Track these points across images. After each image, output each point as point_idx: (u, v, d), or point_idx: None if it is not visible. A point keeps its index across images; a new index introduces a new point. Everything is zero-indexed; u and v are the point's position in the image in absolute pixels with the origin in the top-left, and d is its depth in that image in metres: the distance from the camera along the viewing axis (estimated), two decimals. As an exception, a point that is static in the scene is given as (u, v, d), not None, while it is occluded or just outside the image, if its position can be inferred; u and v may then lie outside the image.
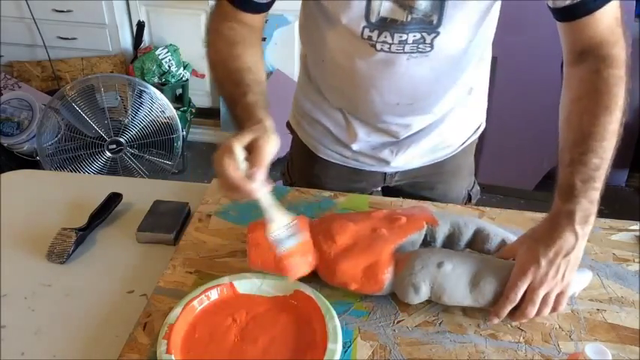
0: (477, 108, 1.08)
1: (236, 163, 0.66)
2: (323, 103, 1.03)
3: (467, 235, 0.82)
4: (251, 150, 0.68)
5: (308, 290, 0.77)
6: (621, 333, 0.77)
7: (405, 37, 0.82)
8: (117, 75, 2.66)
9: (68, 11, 2.81)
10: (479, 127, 1.11)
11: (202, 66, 2.99)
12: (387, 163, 1.05)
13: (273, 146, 0.69)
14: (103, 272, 0.86)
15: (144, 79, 2.73)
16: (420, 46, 0.83)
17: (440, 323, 0.77)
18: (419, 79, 0.89)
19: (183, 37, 2.91)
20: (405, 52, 0.84)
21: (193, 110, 2.99)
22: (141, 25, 2.88)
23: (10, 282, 0.83)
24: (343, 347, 0.71)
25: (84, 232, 0.91)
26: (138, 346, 0.71)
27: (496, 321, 0.75)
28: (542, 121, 2.28)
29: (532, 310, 0.73)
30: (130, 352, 0.70)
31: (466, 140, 1.10)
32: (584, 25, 0.77)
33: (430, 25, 0.80)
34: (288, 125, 1.16)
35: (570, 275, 0.74)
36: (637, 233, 0.97)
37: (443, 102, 0.97)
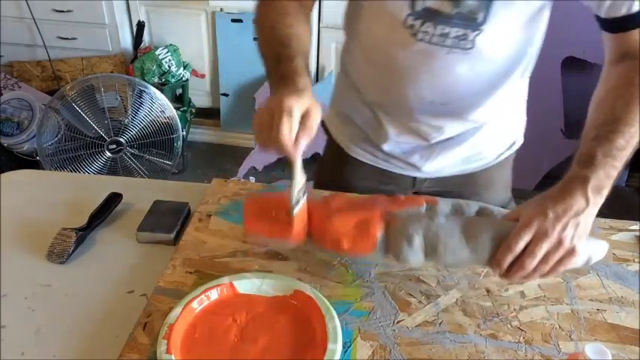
0: (514, 123, 1.07)
1: (293, 124, 0.69)
2: (357, 101, 1.03)
3: (469, 214, 0.79)
4: (303, 117, 0.70)
5: (308, 290, 0.77)
6: (621, 333, 0.77)
7: (447, 30, 0.81)
8: (117, 75, 2.66)
9: (68, 11, 2.81)
10: (514, 143, 1.09)
11: (202, 66, 2.99)
12: (418, 168, 1.04)
13: (319, 116, 0.72)
14: (103, 272, 0.86)
15: (144, 79, 2.73)
16: (462, 42, 0.82)
17: (440, 323, 0.77)
18: (456, 77, 0.88)
19: (183, 37, 2.92)
20: (446, 46, 0.83)
21: (193, 110, 2.99)
22: (141, 25, 2.88)
23: (10, 282, 0.83)
24: (343, 347, 0.71)
25: (84, 232, 0.91)
26: (138, 346, 0.71)
27: (498, 272, 0.72)
28: (543, 121, 2.29)
29: (530, 264, 0.70)
30: (130, 352, 0.70)
31: (500, 155, 1.07)
32: (634, 35, 0.79)
33: (474, 22, 0.80)
34: (323, 124, 1.16)
35: (578, 240, 0.70)
36: (637, 233, 0.97)
37: (478, 110, 0.95)
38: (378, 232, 0.74)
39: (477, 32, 0.81)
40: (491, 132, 1.01)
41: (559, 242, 0.69)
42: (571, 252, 0.70)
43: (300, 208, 0.74)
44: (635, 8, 0.77)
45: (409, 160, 1.04)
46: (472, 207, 0.79)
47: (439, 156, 1.02)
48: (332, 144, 1.13)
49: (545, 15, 0.87)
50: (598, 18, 0.81)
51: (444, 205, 0.79)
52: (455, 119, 0.97)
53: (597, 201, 0.71)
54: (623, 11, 0.77)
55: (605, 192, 0.72)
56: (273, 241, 0.77)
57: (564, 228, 0.69)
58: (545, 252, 0.70)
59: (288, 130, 0.68)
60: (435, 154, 1.02)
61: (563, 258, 0.71)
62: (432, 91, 0.91)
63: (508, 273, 0.72)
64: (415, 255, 0.73)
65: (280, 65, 0.76)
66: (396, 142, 1.02)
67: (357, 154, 1.08)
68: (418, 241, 0.72)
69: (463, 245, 0.72)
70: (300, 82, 0.73)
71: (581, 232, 0.71)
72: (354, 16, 0.94)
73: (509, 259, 0.71)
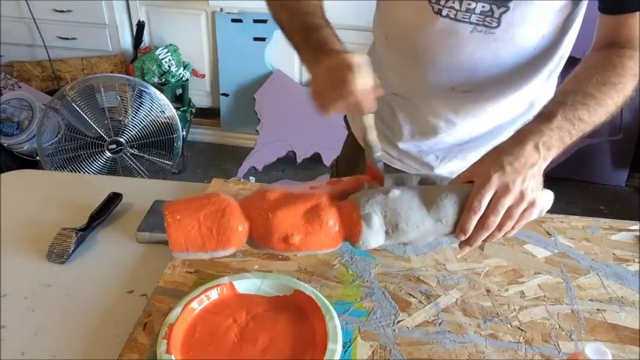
0: None
1: (363, 78, 0.69)
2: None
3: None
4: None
5: (308, 290, 0.77)
6: (621, 333, 0.77)
7: (473, 5, 0.81)
8: (117, 75, 2.66)
9: (68, 11, 2.81)
10: None
11: (202, 66, 2.99)
12: (432, 168, 1.04)
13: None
14: (103, 272, 0.86)
15: (144, 79, 2.73)
16: (487, 19, 0.82)
17: (440, 323, 0.77)
18: (479, 61, 0.86)
19: (183, 37, 2.92)
20: (471, 23, 0.82)
21: (193, 110, 2.99)
22: (141, 25, 2.88)
23: (10, 282, 0.83)
24: (343, 347, 0.71)
25: (84, 232, 0.91)
26: (138, 346, 0.71)
27: (462, 238, 0.69)
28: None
29: (494, 222, 0.67)
30: (130, 352, 0.70)
31: None
32: (625, 21, 0.78)
33: None
34: (345, 119, 1.17)
35: (536, 192, 0.69)
36: (637, 233, 0.97)
37: (500, 105, 0.93)
38: (331, 222, 0.67)
39: (503, 9, 0.80)
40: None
41: (521, 195, 0.67)
42: (532, 204, 0.69)
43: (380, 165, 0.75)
44: None
45: (424, 160, 1.03)
46: (413, 179, 0.76)
47: (455, 158, 1.01)
48: (351, 139, 1.14)
49: (579, 15, 0.86)
50: None
51: (386, 180, 0.75)
52: (474, 115, 0.94)
53: (547, 156, 0.70)
54: None
55: (554, 153, 0.71)
56: (209, 254, 0.68)
57: (524, 180, 0.67)
58: (508, 207, 0.68)
59: (363, 83, 0.69)
60: (452, 156, 1.01)
61: (524, 211, 0.69)
62: (454, 75, 0.89)
63: (471, 237, 0.69)
64: (377, 236, 0.67)
65: (313, 33, 0.78)
66: (410, 139, 1.01)
67: None
68: (377, 219, 0.66)
69: (425, 214, 0.67)
70: (340, 46, 0.75)
71: (537, 183, 0.69)
72: (379, 6, 0.95)
73: (475, 220, 0.67)
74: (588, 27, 0.87)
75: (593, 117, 0.73)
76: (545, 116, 0.72)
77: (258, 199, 0.69)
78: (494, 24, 0.82)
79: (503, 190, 0.67)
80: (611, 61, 0.77)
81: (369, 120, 0.74)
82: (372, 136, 0.75)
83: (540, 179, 0.70)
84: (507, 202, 0.67)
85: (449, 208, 0.67)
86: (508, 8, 0.80)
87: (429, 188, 0.70)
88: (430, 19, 0.84)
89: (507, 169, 0.67)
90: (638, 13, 0.77)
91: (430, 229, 0.68)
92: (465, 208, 0.67)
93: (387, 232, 0.68)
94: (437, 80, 0.90)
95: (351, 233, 0.67)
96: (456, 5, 0.82)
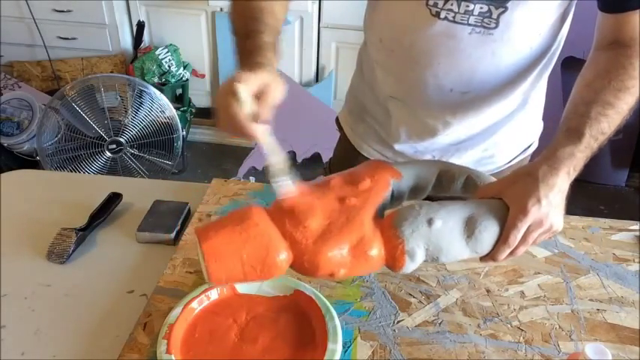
0: (530, 126, 1.05)
1: (240, 103, 0.65)
2: (370, 99, 1.02)
3: (431, 181, 0.78)
4: (259, 94, 0.68)
5: (308, 290, 0.77)
6: (621, 333, 0.77)
7: (471, 6, 0.81)
8: (117, 75, 2.66)
9: (68, 11, 2.81)
10: (530, 146, 1.07)
11: (202, 66, 2.99)
12: None
13: (280, 91, 0.69)
14: (103, 272, 0.86)
15: (144, 79, 2.73)
16: (486, 19, 0.82)
17: (440, 323, 0.77)
18: (478, 62, 0.86)
19: (183, 37, 2.92)
20: (469, 25, 0.82)
21: (193, 110, 2.99)
22: (141, 25, 2.88)
23: (10, 282, 0.83)
24: (343, 347, 0.71)
25: (84, 232, 0.91)
26: (138, 346, 0.71)
27: (489, 262, 0.71)
28: (546, 126, 2.28)
29: (522, 250, 0.70)
30: (130, 352, 0.70)
31: (513, 158, 1.05)
32: (627, 19, 0.79)
33: None
34: (337, 121, 1.16)
35: (561, 219, 0.71)
36: (637, 233, 0.97)
37: (498, 105, 0.93)
38: (377, 254, 0.67)
39: (501, 10, 0.80)
40: (506, 135, 1.00)
41: (550, 226, 0.70)
42: (555, 231, 0.71)
43: (289, 190, 0.69)
44: None
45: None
46: (432, 170, 0.78)
47: (452, 157, 1.01)
48: (344, 141, 1.13)
49: (571, 11, 0.86)
50: None
51: (407, 177, 0.76)
52: (472, 115, 0.94)
53: (573, 177, 0.72)
54: None
55: (577, 172, 0.72)
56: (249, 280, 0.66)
57: (555, 213, 0.69)
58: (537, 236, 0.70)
59: (239, 111, 0.65)
60: (448, 155, 1.01)
61: (546, 236, 0.71)
62: (452, 76, 0.89)
63: (493, 256, 0.71)
64: (416, 266, 0.69)
65: (248, 41, 0.75)
66: (407, 140, 1.01)
67: (369, 153, 1.08)
68: (420, 254, 0.68)
69: (464, 246, 0.69)
70: (260, 57, 0.71)
71: (562, 210, 0.71)
72: (373, 7, 0.94)
73: (507, 253, 0.70)
74: (587, 27, 0.87)
75: (612, 127, 0.74)
76: (574, 134, 0.72)
77: (299, 229, 0.66)
78: (493, 25, 0.82)
79: (538, 225, 0.69)
80: (621, 63, 0.78)
81: (266, 147, 0.68)
82: (272, 159, 0.69)
83: (564, 204, 0.71)
84: (537, 234, 0.69)
85: (487, 240, 0.69)
86: (506, 9, 0.80)
87: (468, 212, 0.69)
88: (428, 22, 0.84)
89: (543, 202, 0.68)
90: (639, 9, 0.77)
91: (465, 257, 0.70)
92: (500, 239, 0.69)
93: (426, 261, 0.70)
94: (435, 82, 0.90)
95: (393, 263, 0.68)
96: (454, 7, 0.81)
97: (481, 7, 0.81)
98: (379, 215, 0.70)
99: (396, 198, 0.76)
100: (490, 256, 0.71)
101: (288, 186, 0.68)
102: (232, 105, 0.65)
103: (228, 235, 0.64)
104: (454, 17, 0.82)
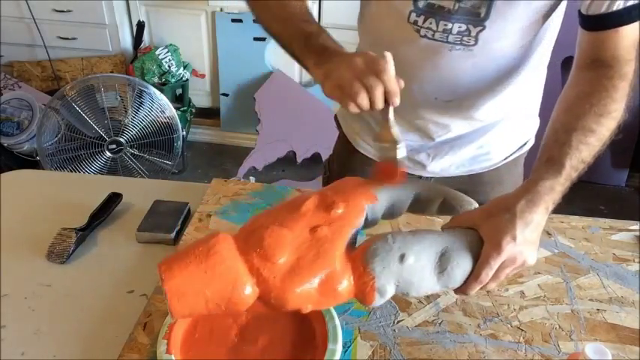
0: (525, 124, 1.05)
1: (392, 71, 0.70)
2: None
3: (407, 204, 0.77)
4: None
5: (308, 290, 0.77)
6: (621, 333, 0.77)
7: (449, 25, 0.81)
8: (117, 75, 2.66)
9: (68, 11, 2.81)
10: (525, 144, 1.07)
11: (202, 66, 2.99)
12: (424, 166, 1.04)
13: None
14: (103, 272, 0.86)
15: (144, 79, 2.73)
16: (465, 38, 0.82)
17: (440, 323, 0.77)
18: (460, 73, 0.88)
19: (183, 37, 2.91)
20: (449, 43, 0.83)
21: (193, 110, 2.99)
22: (141, 25, 2.88)
23: (10, 282, 0.83)
24: (343, 347, 0.71)
25: (84, 232, 0.91)
26: (138, 346, 0.71)
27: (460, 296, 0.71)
28: (542, 121, 2.28)
29: (492, 286, 0.69)
30: (130, 352, 0.70)
31: (509, 155, 1.06)
32: (608, 38, 0.78)
33: (477, 18, 0.80)
34: (335, 118, 1.17)
35: (534, 254, 0.69)
36: (637, 233, 0.97)
37: (485, 109, 0.94)
38: (346, 290, 0.65)
39: (479, 28, 0.81)
40: (501, 132, 1.01)
41: (522, 263, 0.68)
42: (528, 267, 0.70)
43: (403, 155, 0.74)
44: (614, 7, 0.75)
45: (415, 158, 1.03)
46: (408, 194, 0.77)
47: (446, 155, 1.02)
48: (342, 138, 1.14)
49: (558, 14, 0.86)
50: (580, 14, 0.80)
51: (383, 201, 0.74)
52: (461, 117, 0.96)
53: (550, 210, 0.71)
54: (603, 9, 0.76)
55: (554, 205, 0.71)
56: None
57: (530, 250, 0.68)
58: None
59: (393, 72, 0.70)
60: (443, 153, 1.02)
61: (518, 270, 0.70)
62: (436, 87, 0.91)
63: (463, 290, 0.70)
64: (384, 300, 0.68)
65: (319, 37, 0.78)
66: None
67: (365, 150, 1.09)
68: (390, 290, 0.66)
69: (435, 282, 0.67)
70: (339, 48, 0.76)
71: (537, 244, 0.70)
72: (363, 14, 0.95)
73: (477, 289, 0.69)
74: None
75: (592, 154, 0.74)
76: (555, 166, 0.72)
77: (266, 265, 0.63)
78: (472, 42, 0.83)
79: (511, 262, 0.67)
80: (603, 85, 0.77)
81: (392, 114, 0.73)
82: (396, 130, 0.74)
83: (539, 238, 0.70)
84: (510, 269, 0.68)
85: (459, 276, 0.68)
86: (484, 27, 0.81)
87: (441, 247, 0.68)
88: (411, 37, 0.85)
89: (519, 239, 0.67)
90: (620, 28, 0.77)
91: (435, 292, 0.70)
92: (472, 276, 0.68)
93: (395, 295, 0.68)
94: (420, 91, 0.92)
95: (363, 299, 0.67)
96: (433, 26, 0.82)
97: (459, 27, 0.81)
98: (351, 243, 0.69)
99: (370, 222, 0.74)
100: (461, 290, 0.69)
101: (402, 152, 0.74)
102: (387, 70, 0.69)
103: (193, 273, 0.62)
104: (433, 35, 0.84)
